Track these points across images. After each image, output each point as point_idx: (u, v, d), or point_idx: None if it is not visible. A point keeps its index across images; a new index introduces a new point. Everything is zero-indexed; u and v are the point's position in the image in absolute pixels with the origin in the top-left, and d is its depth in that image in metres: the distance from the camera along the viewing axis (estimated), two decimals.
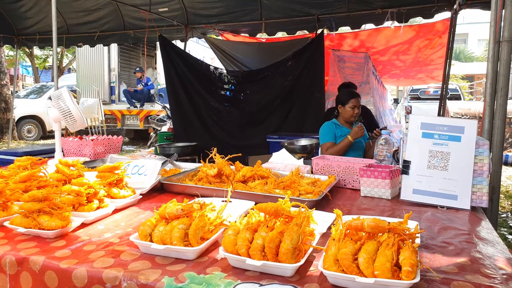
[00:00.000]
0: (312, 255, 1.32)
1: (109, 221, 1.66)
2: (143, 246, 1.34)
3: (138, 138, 12.42)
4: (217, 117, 6.83)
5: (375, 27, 6.75)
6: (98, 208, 1.68)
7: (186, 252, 1.29)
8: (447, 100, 7.21)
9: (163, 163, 2.49)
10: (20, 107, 12.45)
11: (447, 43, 6.23)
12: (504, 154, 8.22)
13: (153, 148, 7.28)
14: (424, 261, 1.28)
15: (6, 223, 1.53)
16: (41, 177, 1.82)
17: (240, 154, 2.23)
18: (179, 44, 7.35)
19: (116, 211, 1.77)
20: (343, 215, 1.40)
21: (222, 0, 6.45)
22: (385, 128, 3.50)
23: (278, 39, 8.47)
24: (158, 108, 11.01)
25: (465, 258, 1.30)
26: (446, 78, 6.14)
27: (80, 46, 8.47)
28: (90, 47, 8.62)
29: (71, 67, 21.49)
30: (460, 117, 9.08)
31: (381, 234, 1.21)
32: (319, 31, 6.26)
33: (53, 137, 2.64)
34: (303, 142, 3.93)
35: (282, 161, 2.53)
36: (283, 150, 2.67)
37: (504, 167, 7.93)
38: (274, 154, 2.63)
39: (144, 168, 2.06)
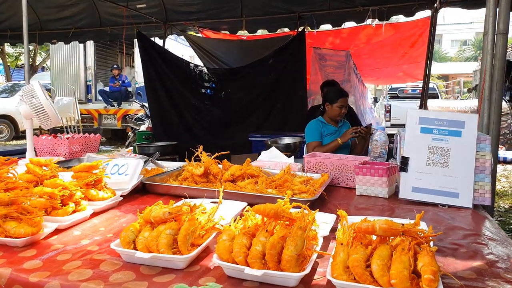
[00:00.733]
0: (316, 261, 1.20)
1: (87, 226, 1.50)
2: (126, 254, 1.19)
3: (116, 138, 12.08)
4: (197, 115, 6.66)
5: (356, 25, 6.74)
6: (74, 211, 1.51)
7: (175, 261, 1.15)
8: None
9: (144, 162, 2.32)
10: None
11: (427, 41, 6.25)
12: None
13: (132, 147, 7.05)
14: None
15: None
16: (9, 179, 1.63)
17: (228, 152, 2.10)
18: (157, 41, 7.14)
19: (94, 214, 1.60)
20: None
21: None
22: (370, 125, 3.41)
23: (259, 37, 8.35)
24: (136, 107, 10.72)
25: (480, 262, 1.21)
26: (427, 76, 6.16)
27: (54, 43, 8.16)
28: (65, 44, 8.29)
29: (45, 65, 20.78)
30: None
31: (392, 237, 1.10)
32: (301, 28, 6.20)
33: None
34: (287, 140, 3.83)
35: (272, 159, 2.41)
36: (273, 148, 2.54)
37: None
38: (263, 152, 2.50)
39: (124, 167, 1.89)
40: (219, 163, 2.14)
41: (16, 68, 21.98)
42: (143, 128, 8.29)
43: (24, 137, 12.47)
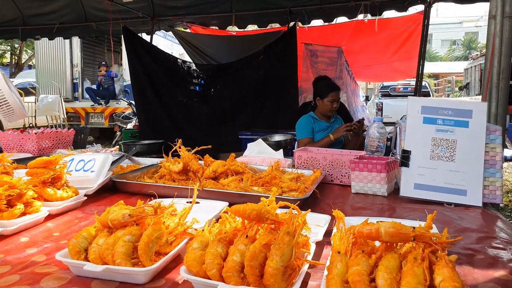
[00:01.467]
0: (307, 272, 0.99)
1: (38, 231, 1.27)
2: (74, 266, 0.97)
3: (104, 136, 11.77)
4: (186, 113, 6.44)
5: (348, 20, 6.57)
6: (23, 214, 1.28)
7: (134, 274, 0.93)
8: None
9: (119, 159, 2.10)
10: None
11: (419, 38, 6.11)
12: None
13: (118, 146, 6.80)
14: None
15: None
16: None
17: (210, 146, 1.88)
18: (145, 37, 6.90)
19: (50, 217, 1.38)
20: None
21: None
22: (362, 120, 3.22)
23: (249, 32, 8.15)
24: (124, 105, 10.44)
25: (504, 271, 1.01)
26: (420, 71, 6.01)
27: (38, 39, 7.84)
28: (49, 40, 7.98)
29: (31, 63, 20.34)
30: None
31: (400, 243, 0.90)
32: (291, 24, 6.01)
33: None
34: (278, 137, 3.65)
35: (259, 154, 2.20)
36: (260, 141, 2.34)
37: None
38: (249, 144, 2.29)
39: (91, 163, 1.67)
40: (200, 159, 1.93)
41: (1, 66, 21.51)
42: (130, 126, 8.04)
43: None
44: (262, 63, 6.06)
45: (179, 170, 1.81)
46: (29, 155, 2.37)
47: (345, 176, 1.96)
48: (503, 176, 1.60)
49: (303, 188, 1.65)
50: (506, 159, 7.90)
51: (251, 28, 8.07)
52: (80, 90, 11.50)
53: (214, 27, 6.99)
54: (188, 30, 7.32)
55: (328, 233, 1.15)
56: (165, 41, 10.49)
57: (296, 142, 3.39)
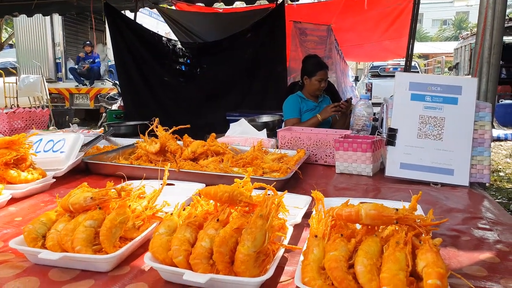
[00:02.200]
0: (284, 257, 0.93)
1: None
2: (29, 254, 0.89)
3: (89, 118, 11.53)
4: (172, 93, 6.30)
5: None
6: None
7: (95, 262, 0.86)
8: None
9: (94, 139, 2.01)
10: None
11: (410, 16, 6.01)
12: None
13: (103, 127, 6.66)
14: None
15: None
16: None
17: (188, 126, 1.79)
18: (128, 15, 6.67)
19: (13, 201, 1.29)
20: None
21: None
22: (350, 99, 3.15)
23: (236, 10, 7.93)
24: (109, 86, 10.20)
25: (489, 253, 0.96)
26: (410, 53, 5.94)
27: (16, 16, 7.54)
28: (28, 17, 7.72)
29: (11, 42, 19.70)
30: None
31: (383, 227, 0.83)
32: (280, 1, 5.85)
33: None
34: (265, 118, 3.58)
35: (242, 134, 2.12)
36: (242, 120, 2.25)
37: None
38: (231, 124, 2.20)
39: (61, 143, 1.57)
40: (179, 139, 1.85)
41: None
42: (115, 107, 7.88)
43: None
44: (249, 42, 5.91)
45: (156, 150, 1.72)
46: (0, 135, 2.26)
47: (329, 156, 1.90)
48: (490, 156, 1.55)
49: (285, 168, 1.59)
50: (493, 140, 7.94)
51: (239, 5, 7.86)
52: (63, 70, 11.17)
53: (200, 4, 6.78)
54: (173, 8, 7.11)
55: (308, 215, 1.09)
56: (150, 20, 10.20)
57: (283, 123, 3.31)
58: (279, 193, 0.94)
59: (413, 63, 14.61)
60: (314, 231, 0.85)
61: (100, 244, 0.89)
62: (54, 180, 1.46)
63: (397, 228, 0.81)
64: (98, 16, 8.08)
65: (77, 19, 11.22)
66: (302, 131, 2.07)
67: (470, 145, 1.53)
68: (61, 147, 1.56)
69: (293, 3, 6.53)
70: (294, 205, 1.15)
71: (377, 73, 13.87)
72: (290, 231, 0.97)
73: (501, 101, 9.73)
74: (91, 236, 0.89)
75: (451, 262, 0.92)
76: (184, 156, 1.74)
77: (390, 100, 1.69)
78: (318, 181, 1.64)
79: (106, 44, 11.75)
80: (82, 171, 1.69)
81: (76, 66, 10.72)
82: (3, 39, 17.69)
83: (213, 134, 1.89)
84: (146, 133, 1.81)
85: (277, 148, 2.01)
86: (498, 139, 7.72)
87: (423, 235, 0.78)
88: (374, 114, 2.23)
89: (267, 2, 6.56)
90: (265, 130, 2.24)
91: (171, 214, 0.93)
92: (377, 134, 1.77)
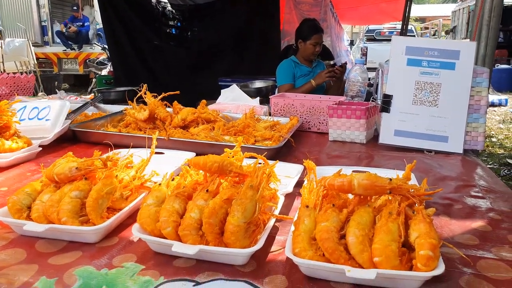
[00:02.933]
0: (275, 226, 0.92)
1: None
2: (14, 225, 0.87)
3: (79, 84, 11.30)
4: (162, 58, 6.14)
5: None
6: None
7: (82, 233, 0.84)
8: None
9: (82, 106, 1.95)
10: None
11: None
12: None
13: (93, 93, 6.53)
14: None
15: None
16: None
17: (178, 92, 1.74)
18: None
19: None
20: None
21: None
22: (345, 64, 3.08)
23: None
24: (98, 51, 9.92)
25: (481, 222, 0.96)
26: (407, 16, 5.81)
27: None
28: None
29: None
30: None
31: (376, 197, 0.82)
32: None
33: None
34: (258, 84, 3.50)
35: (233, 101, 2.07)
36: (234, 86, 2.20)
37: None
38: (223, 91, 2.15)
39: (46, 111, 1.52)
40: (168, 106, 1.80)
41: None
42: (105, 72, 7.70)
43: None
44: (242, 4, 5.73)
45: (145, 118, 1.68)
46: None
47: (323, 123, 1.87)
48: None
49: (277, 136, 1.56)
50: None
51: None
52: (50, 33, 10.81)
53: None
54: None
55: (299, 184, 1.07)
56: None
57: (277, 89, 3.25)
58: (270, 162, 0.92)
59: (410, 27, 14.38)
60: (305, 201, 0.83)
61: (87, 215, 0.87)
62: (40, 149, 1.43)
63: (390, 198, 0.79)
64: None
65: None
66: (295, 97, 2.03)
67: (466, 111, 1.50)
68: (46, 115, 1.51)
69: None
70: (285, 174, 1.13)
71: (372, 37, 13.62)
72: (281, 200, 0.95)
73: (497, 66, 9.66)
74: (77, 207, 0.86)
75: (443, 230, 0.92)
76: (174, 124, 1.70)
77: (385, 65, 1.64)
78: (310, 149, 1.62)
79: (93, 6, 11.33)
80: (69, 139, 1.65)
81: (64, 30, 10.38)
82: None
83: (204, 101, 1.85)
84: (135, 100, 1.76)
85: (270, 115, 1.98)
86: (492, 104, 7.73)
87: (416, 205, 0.77)
88: (369, 79, 2.19)
89: None
90: (258, 98, 2.18)
91: (160, 184, 0.91)
92: (372, 101, 1.74)
